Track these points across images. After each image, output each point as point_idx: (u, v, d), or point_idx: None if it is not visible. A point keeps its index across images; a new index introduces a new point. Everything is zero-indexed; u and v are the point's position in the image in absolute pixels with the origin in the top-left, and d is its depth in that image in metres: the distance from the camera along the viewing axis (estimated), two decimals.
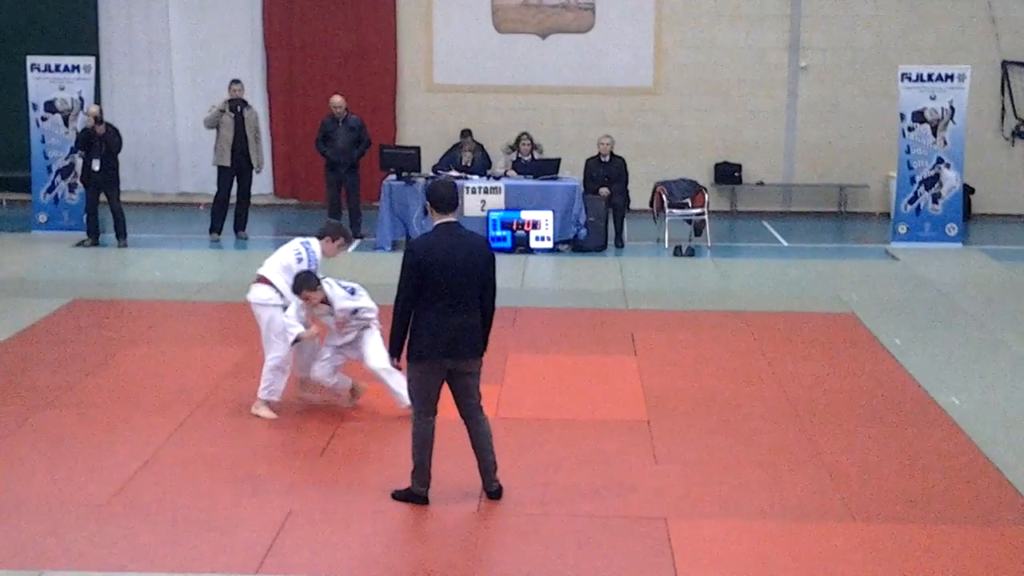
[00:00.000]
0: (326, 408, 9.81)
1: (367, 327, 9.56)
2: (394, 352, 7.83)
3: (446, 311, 7.63)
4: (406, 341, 7.75)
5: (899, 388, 10.63)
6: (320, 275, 9.57)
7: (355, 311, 9.48)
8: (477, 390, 7.94)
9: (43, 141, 17.88)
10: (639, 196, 18.20)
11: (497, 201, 16.94)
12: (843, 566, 7.13)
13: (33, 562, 7.03)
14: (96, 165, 16.61)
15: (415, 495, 7.93)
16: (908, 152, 17.68)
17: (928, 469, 8.71)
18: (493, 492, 8.02)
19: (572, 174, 17.80)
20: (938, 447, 9.16)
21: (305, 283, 9.37)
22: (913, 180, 17.70)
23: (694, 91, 20.45)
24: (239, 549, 7.25)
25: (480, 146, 19.51)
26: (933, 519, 7.80)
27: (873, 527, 7.66)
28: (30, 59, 17.92)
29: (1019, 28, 20.13)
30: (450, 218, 7.76)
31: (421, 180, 17.03)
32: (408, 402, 8.28)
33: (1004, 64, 20.15)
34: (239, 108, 17.36)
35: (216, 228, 17.56)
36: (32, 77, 17.85)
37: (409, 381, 7.92)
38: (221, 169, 17.45)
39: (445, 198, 7.75)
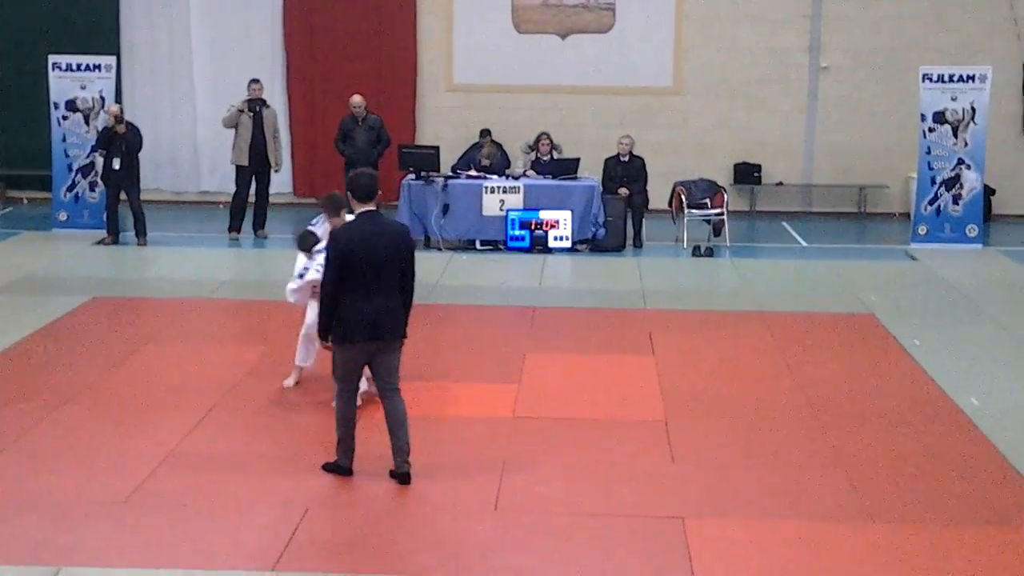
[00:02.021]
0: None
1: None
2: (322, 335, 8.21)
3: (367, 296, 8.00)
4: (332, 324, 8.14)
5: (918, 389, 10.59)
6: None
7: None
8: (396, 371, 8.30)
9: (64, 140, 17.94)
10: (658, 196, 18.17)
11: (516, 201, 16.94)
12: (861, 567, 7.11)
13: (51, 558, 7.05)
14: (117, 164, 16.67)
15: (340, 467, 8.31)
16: (928, 153, 17.62)
17: (947, 470, 8.68)
18: (401, 474, 8.23)
19: (591, 174, 17.79)
20: (957, 448, 9.13)
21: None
22: (933, 181, 17.64)
23: (714, 91, 20.41)
24: (257, 546, 7.26)
25: (499, 146, 19.49)
26: (952, 520, 7.78)
27: (892, 528, 7.63)
28: (51, 58, 17.97)
29: None
30: (370, 207, 8.14)
31: (440, 180, 17.05)
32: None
33: None
34: (258, 108, 17.40)
35: (235, 227, 17.61)
36: (53, 76, 17.91)
37: (334, 360, 8.27)
38: (239, 168, 17.49)
39: (365, 187, 8.15)
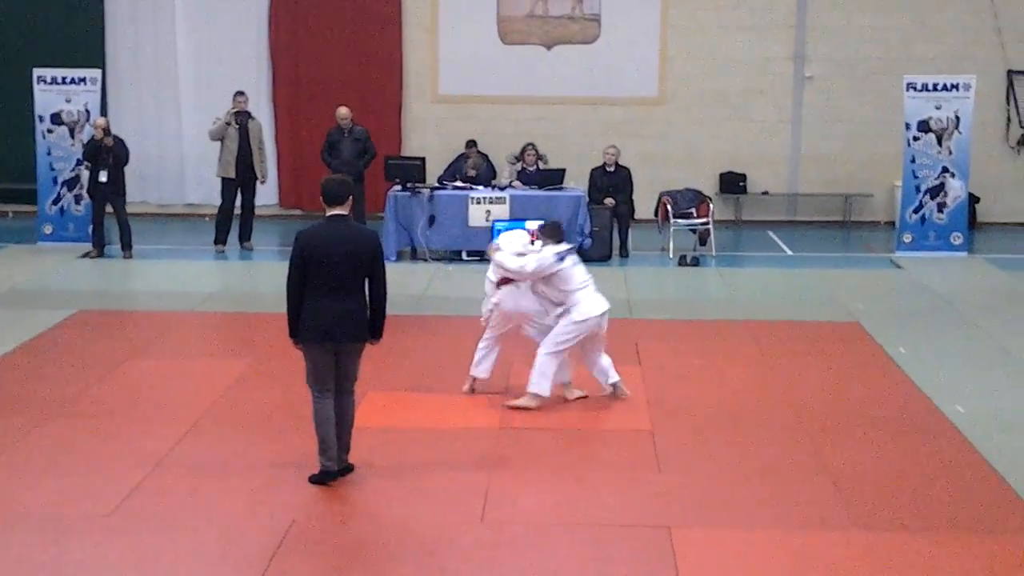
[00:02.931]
0: None
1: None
2: (290, 333, 8.40)
3: (326, 297, 8.23)
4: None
5: (904, 397, 10.61)
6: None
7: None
8: (355, 371, 8.52)
9: (49, 153, 17.90)
10: (644, 206, 18.20)
11: (502, 211, 16.94)
12: (847, 575, 7.12)
13: (37, 573, 7.03)
14: (104, 177, 16.65)
15: (325, 472, 8.40)
16: (913, 161, 17.67)
17: (932, 478, 8.69)
18: (342, 469, 8.48)
19: (577, 184, 17.80)
20: (942, 456, 9.14)
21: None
22: (918, 189, 17.69)
23: (699, 101, 20.46)
24: (241, 560, 7.24)
25: (485, 156, 19.52)
26: (937, 528, 7.78)
27: (877, 536, 7.64)
28: (36, 71, 17.95)
29: None
30: (339, 211, 8.37)
31: (426, 191, 17.05)
32: (537, 390, 9.83)
33: (1010, 73, 20.16)
34: (243, 120, 17.38)
35: (220, 239, 17.59)
36: (38, 89, 17.89)
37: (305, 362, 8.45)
38: (225, 181, 17.47)
39: (332, 192, 8.43)
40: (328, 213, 8.40)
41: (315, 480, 8.39)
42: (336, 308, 8.23)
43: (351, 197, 8.52)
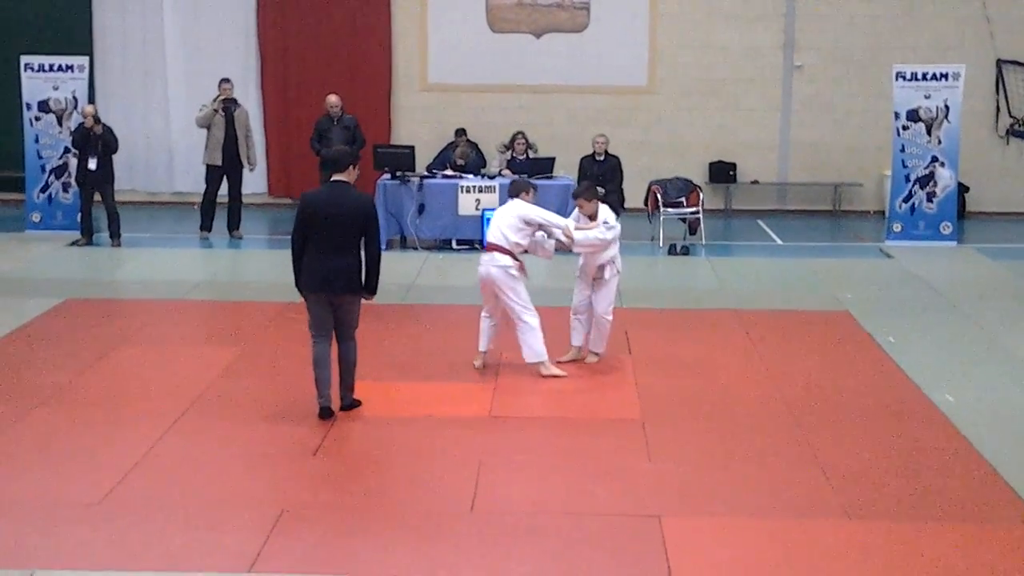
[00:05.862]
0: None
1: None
2: (295, 284, 9.39)
3: (322, 254, 9.14)
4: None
5: (893, 386, 10.62)
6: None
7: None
8: (353, 320, 9.41)
9: (37, 141, 17.86)
10: (634, 195, 18.19)
11: (491, 200, 16.91)
12: (837, 564, 7.12)
13: (25, 562, 6.99)
14: (93, 164, 16.59)
15: (320, 408, 9.40)
16: (903, 151, 17.68)
17: (922, 467, 8.70)
18: (347, 405, 9.55)
19: (567, 173, 17.79)
20: (932, 445, 9.15)
21: (586, 191, 11.36)
22: (908, 179, 17.71)
23: (689, 90, 20.45)
24: (231, 548, 7.22)
25: (475, 145, 19.49)
26: (927, 517, 7.79)
27: (867, 525, 7.64)
28: (24, 59, 17.90)
29: (1014, 27, 20.15)
30: (339, 177, 9.32)
31: (416, 180, 17.02)
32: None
33: (999, 63, 20.17)
34: (230, 107, 17.32)
35: (205, 226, 17.54)
36: (25, 77, 17.83)
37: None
38: (210, 168, 17.40)
39: (331, 159, 9.68)
40: (332, 179, 9.31)
41: (320, 416, 9.35)
42: (331, 263, 9.11)
43: (352, 166, 9.35)
